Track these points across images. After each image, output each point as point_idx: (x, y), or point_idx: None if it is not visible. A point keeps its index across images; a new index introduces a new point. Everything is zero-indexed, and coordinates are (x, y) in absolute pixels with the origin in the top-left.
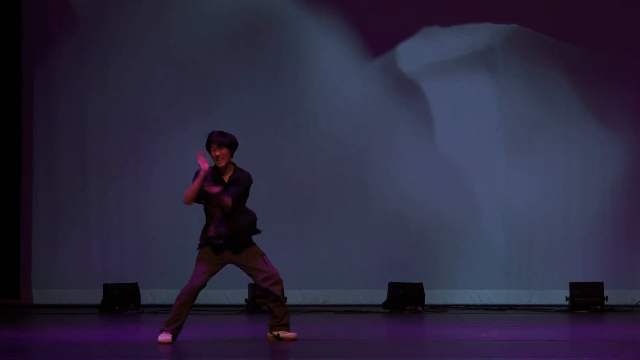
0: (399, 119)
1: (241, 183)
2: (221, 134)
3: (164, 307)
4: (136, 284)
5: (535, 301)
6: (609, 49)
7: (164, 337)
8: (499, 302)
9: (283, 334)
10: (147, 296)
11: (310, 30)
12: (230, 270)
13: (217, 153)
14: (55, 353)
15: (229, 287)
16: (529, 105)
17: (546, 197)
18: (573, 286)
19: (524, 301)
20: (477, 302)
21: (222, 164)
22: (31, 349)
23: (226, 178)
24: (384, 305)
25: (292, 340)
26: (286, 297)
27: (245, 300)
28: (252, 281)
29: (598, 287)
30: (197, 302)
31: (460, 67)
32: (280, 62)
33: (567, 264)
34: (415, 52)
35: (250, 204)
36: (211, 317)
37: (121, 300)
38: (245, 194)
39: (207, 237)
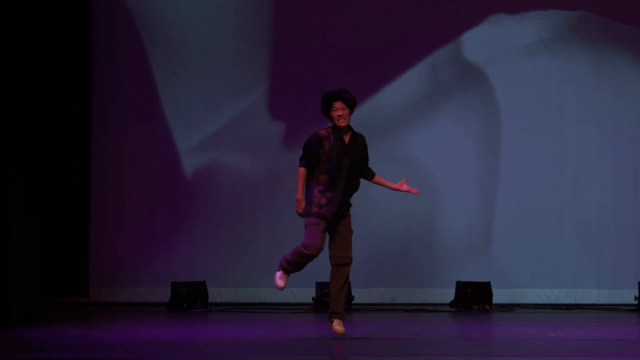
0: (466, 106)
1: (365, 147)
2: (346, 91)
3: (231, 305)
4: (204, 282)
5: (603, 300)
6: None
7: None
8: (567, 302)
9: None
10: (215, 294)
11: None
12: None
13: (341, 113)
14: (124, 350)
15: (297, 286)
16: (597, 93)
17: (616, 191)
18: None
19: (592, 300)
20: (545, 301)
21: (343, 123)
22: (99, 346)
23: (347, 139)
24: (452, 304)
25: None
26: (353, 296)
27: (313, 298)
28: (319, 280)
29: None
30: (263, 299)
31: (526, 54)
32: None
33: (636, 263)
34: (481, 40)
35: None
36: (278, 315)
37: (189, 298)
38: None
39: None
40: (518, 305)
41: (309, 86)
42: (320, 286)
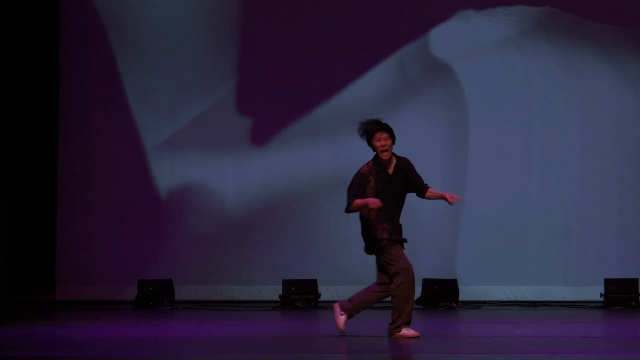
0: (434, 101)
1: (411, 171)
2: (385, 123)
3: (198, 303)
4: (171, 280)
5: (569, 297)
6: None
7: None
8: (534, 299)
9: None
10: (182, 292)
11: (340, 14)
12: (264, 266)
13: (384, 143)
14: (91, 348)
15: (263, 284)
16: (564, 88)
17: (583, 188)
18: (608, 282)
19: (558, 297)
20: (512, 298)
21: (387, 156)
22: (67, 344)
23: (390, 170)
24: (419, 301)
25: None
26: (320, 294)
27: (279, 296)
28: (286, 277)
29: (633, 283)
30: (230, 297)
31: (494, 50)
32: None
33: (602, 260)
34: (449, 36)
35: (285, 202)
36: (245, 313)
37: (155, 296)
38: None
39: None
40: (484, 303)
41: (277, 82)
42: (287, 284)
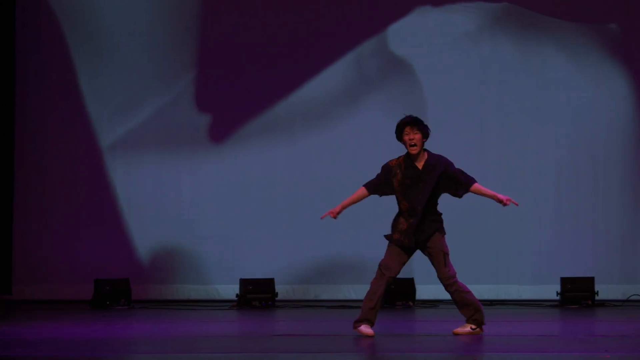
0: (392, 98)
1: (448, 167)
2: (416, 118)
3: (154, 303)
4: (127, 279)
5: (525, 296)
6: (603, 21)
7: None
8: (490, 297)
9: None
10: (139, 291)
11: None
12: (222, 265)
13: (412, 136)
14: (47, 348)
15: (221, 283)
16: (521, 84)
17: (537, 185)
18: (564, 281)
19: (514, 296)
20: None
21: (415, 150)
22: (23, 343)
23: (420, 165)
24: None
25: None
26: (277, 293)
27: (236, 295)
28: (243, 276)
29: (589, 281)
30: (187, 296)
31: (452, 46)
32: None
33: (558, 258)
34: (408, 32)
35: (243, 201)
36: (202, 312)
37: (112, 295)
38: None
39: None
40: (441, 301)
41: (237, 78)
42: (244, 283)
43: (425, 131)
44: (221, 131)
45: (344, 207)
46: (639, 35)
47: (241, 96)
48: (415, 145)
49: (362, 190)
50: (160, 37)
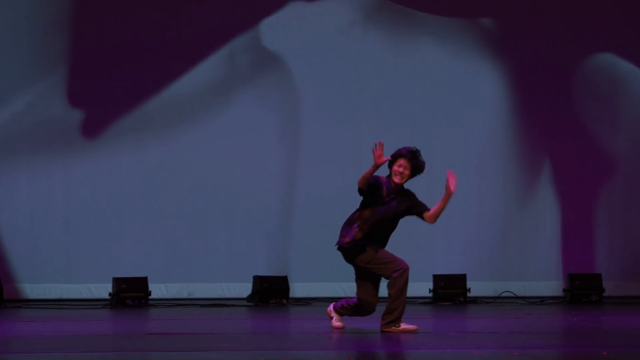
0: (264, 94)
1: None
2: (415, 154)
3: (26, 302)
4: None
5: None
6: (474, 15)
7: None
8: None
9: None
10: (10, 291)
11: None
12: (95, 264)
13: (402, 170)
14: None
15: (94, 282)
16: (394, 78)
17: (411, 183)
18: (437, 278)
19: (385, 293)
20: (342, 294)
21: (398, 180)
22: None
23: (397, 199)
24: (249, 298)
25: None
26: (150, 291)
27: (110, 294)
28: (117, 275)
29: (461, 278)
30: (60, 296)
31: (325, 42)
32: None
33: (431, 255)
34: (280, 28)
35: (116, 199)
36: (75, 311)
37: None
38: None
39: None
40: (315, 299)
41: (110, 73)
42: (117, 281)
43: (416, 171)
44: (96, 127)
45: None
46: (513, 30)
47: (114, 92)
48: (401, 176)
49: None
50: (33, 30)
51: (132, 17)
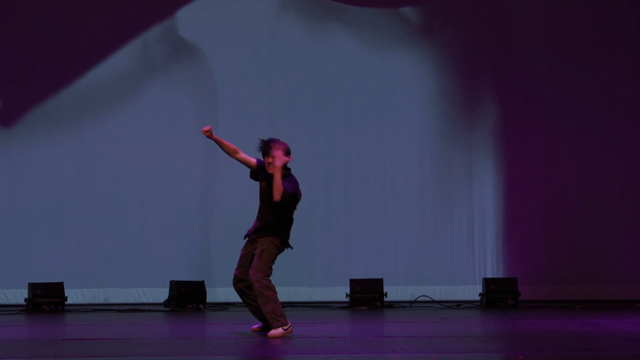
0: (180, 83)
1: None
2: (275, 141)
3: None
4: None
5: (316, 298)
6: (389, 4)
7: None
8: (281, 299)
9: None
10: None
11: None
12: (10, 269)
13: (270, 160)
14: None
15: (9, 287)
16: (309, 65)
17: (327, 187)
18: (354, 283)
19: (304, 298)
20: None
21: (271, 171)
22: None
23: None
24: (165, 303)
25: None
26: (67, 297)
27: (25, 299)
28: (33, 280)
29: (378, 283)
30: None
31: (241, 31)
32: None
33: (347, 261)
34: (197, 17)
35: (30, 200)
36: None
37: None
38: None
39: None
40: (232, 304)
41: (25, 62)
42: (33, 287)
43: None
44: (14, 114)
45: (219, 141)
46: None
47: (30, 81)
48: (273, 166)
49: (248, 158)
50: None
51: (48, 3)
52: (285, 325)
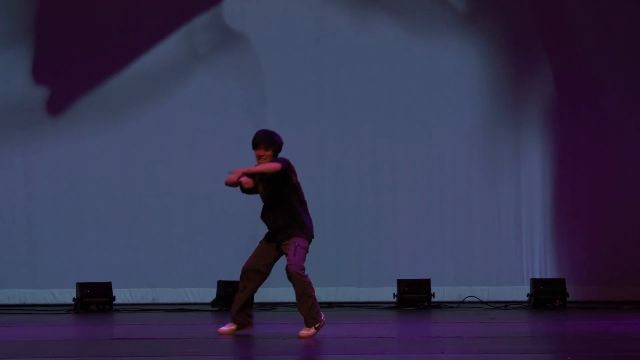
0: (228, 71)
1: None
2: (266, 134)
3: None
4: None
5: (363, 298)
6: None
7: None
8: (328, 300)
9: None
10: None
11: None
12: (58, 268)
13: (261, 153)
14: None
15: (57, 287)
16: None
17: (375, 186)
18: (401, 283)
19: (352, 298)
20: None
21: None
22: None
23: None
24: (213, 303)
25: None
26: (114, 296)
27: (74, 299)
28: (81, 280)
29: (425, 283)
30: (23, 301)
31: (291, 20)
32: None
33: (394, 260)
34: (242, 6)
35: (78, 198)
36: (38, 316)
37: None
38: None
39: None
40: (279, 304)
41: (76, 50)
42: (81, 287)
43: (270, 146)
44: (61, 104)
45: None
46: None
47: (82, 68)
48: (264, 159)
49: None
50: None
51: None
52: (317, 323)
